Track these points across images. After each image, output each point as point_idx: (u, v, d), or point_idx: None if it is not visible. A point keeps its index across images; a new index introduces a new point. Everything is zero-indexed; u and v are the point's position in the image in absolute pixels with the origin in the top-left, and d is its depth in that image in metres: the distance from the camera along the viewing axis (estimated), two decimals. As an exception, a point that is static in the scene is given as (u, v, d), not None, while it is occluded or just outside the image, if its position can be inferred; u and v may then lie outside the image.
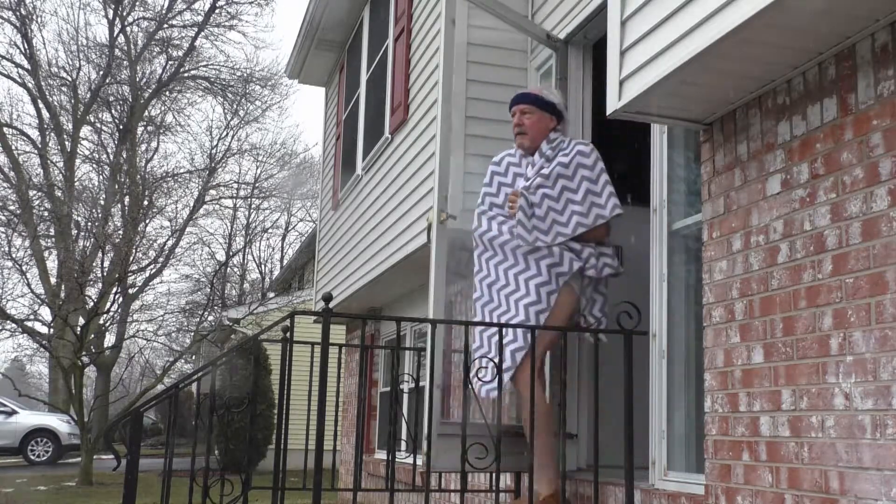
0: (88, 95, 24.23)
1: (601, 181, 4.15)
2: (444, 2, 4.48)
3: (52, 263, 21.45)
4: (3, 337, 19.68)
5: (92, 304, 15.73)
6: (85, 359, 15.51)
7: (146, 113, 25.02)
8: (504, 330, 3.98)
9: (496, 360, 3.89)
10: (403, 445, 5.41)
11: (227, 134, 26.78)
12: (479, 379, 3.97)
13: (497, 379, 3.85)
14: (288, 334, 3.93)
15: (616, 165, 5.37)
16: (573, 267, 4.05)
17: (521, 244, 4.07)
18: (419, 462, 4.15)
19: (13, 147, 23.08)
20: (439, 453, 3.83)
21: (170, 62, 24.90)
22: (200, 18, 24.94)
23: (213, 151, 26.41)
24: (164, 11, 24.68)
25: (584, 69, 4.93)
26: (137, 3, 24.64)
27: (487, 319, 4.13)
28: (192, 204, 23.68)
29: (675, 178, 3.95)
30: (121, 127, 24.25)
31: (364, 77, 8.47)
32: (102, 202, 19.93)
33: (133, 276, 17.06)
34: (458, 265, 4.48)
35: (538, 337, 3.91)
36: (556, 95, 4.40)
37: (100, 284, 16.58)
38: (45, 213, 20.61)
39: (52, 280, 20.62)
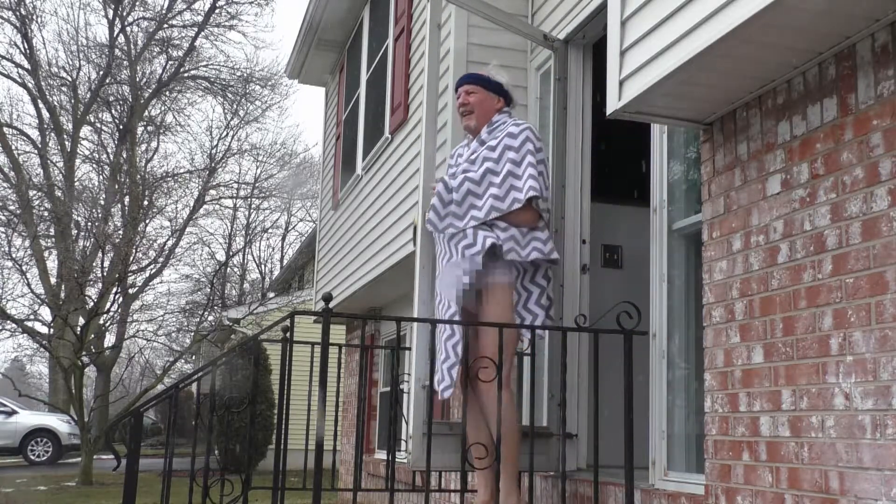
0: (88, 95, 24.23)
1: (525, 163, 3.93)
2: (430, 6, 4.46)
3: (52, 263, 21.48)
4: (3, 337, 19.70)
5: (92, 304, 15.73)
6: (85, 359, 15.51)
7: (146, 113, 25.02)
8: (443, 326, 3.87)
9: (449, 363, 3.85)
10: (403, 445, 5.41)
11: (227, 134, 26.80)
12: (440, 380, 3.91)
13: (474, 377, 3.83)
14: (288, 334, 3.93)
15: (616, 165, 5.37)
16: (486, 243, 3.85)
17: (431, 229, 3.98)
18: (401, 460, 4.11)
19: (13, 147, 23.09)
20: (422, 453, 3.79)
21: (170, 62, 24.91)
22: (200, 18, 24.96)
23: (213, 151, 26.43)
24: (164, 11, 24.70)
25: (584, 69, 4.92)
26: (137, 3, 24.66)
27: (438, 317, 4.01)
28: (192, 204, 23.69)
29: (675, 178, 3.95)
30: (121, 127, 24.25)
31: (364, 77, 8.47)
32: (102, 202, 19.92)
33: (133, 276, 17.07)
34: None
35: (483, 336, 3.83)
36: (504, 77, 4.24)
37: (100, 284, 16.58)
38: (45, 213, 20.61)
39: (52, 280, 20.62)
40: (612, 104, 3.28)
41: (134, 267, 16.66)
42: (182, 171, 25.42)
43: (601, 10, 4.35)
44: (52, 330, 16.56)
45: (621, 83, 3.23)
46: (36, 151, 23.75)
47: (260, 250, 39.44)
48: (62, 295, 18.00)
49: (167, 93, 25.26)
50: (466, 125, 4.18)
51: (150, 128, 25.53)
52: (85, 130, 24.82)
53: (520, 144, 3.96)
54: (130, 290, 17.48)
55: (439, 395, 3.86)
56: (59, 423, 19.69)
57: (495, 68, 4.32)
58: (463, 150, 4.22)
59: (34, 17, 24.01)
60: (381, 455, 8.67)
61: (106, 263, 17.08)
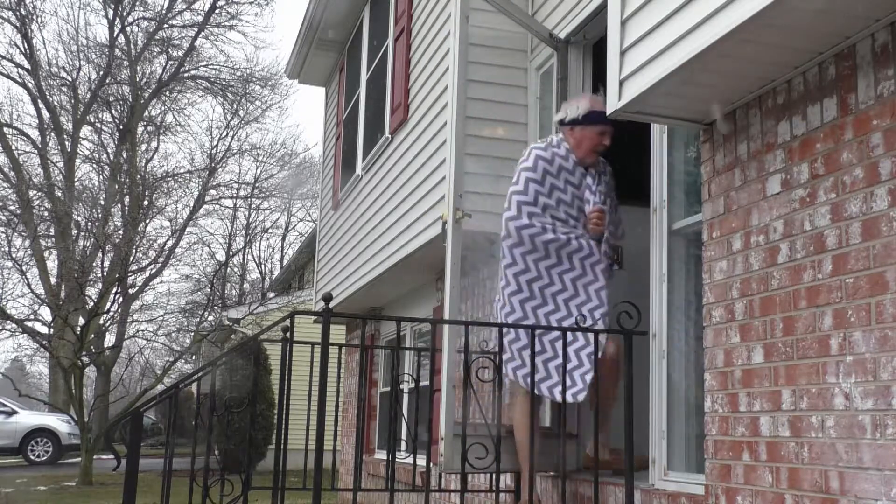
0: (88, 95, 24.22)
1: (618, 208, 4.41)
2: None
3: (52, 263, 21.49)
4: (3, 337, 19.70)
5: (92, 304, 15.74)
6: (85, 359, 15.51)
7: (146, 113, 25.01)
8: (572, 333, 3.98)
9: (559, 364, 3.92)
10: (403, 445, 5.41)
11: (227, 134, 26.78)
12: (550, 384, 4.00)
13: (582, 381, 3.92)
14: (288, 334, 3.93)
15: (616, 165, 5.37)
16: (603, 250, 4.21)
17: (603, 260, 4.16)
18: (420, 462, 4.13)
19: (13, 147, 23.08)
20: (453, 455, 3.79)
21: (170, 62, 24.90)
22: (200, 18, 24.95)
23: (213, 151, 26.42)
24: (164, 11, 24.69)
25: (584, 69, 4.93)
26: (137, 3, 24.65)
27: (543, 322, 4.10)
28: (192, 204, 23.69)
29: (675, 178, 3.95)
30: (121, 127, 24.25)
31: (364, 77, 8.47)
32: (102, 202, 19.92)
33: (133, 276, 17.08)
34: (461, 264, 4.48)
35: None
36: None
37: (100, 284, 16.59)
38: (45, 213, 20.59)
39: (52, 280, 20.61)
40: (613, 104, 3.29)
41: (134, 267, 16.67)
42: (182, 171, 25.43)
43: (601, 10, 4.35)
44: (52, 330, 16.56)
45: (621, 83, 3.23)
46: (36, 151, 23.74)
47: (260, 250, 39.47)
48: (62, 295, 17.98)
49: (167, 93, 25.25)
50: (593, 161, 4.25)
51: (150, 128, 25.53)
52: (85, 130, 24.85)
53: (615, 186, 4.40)
54: (130, 290, 17.48)
55: (570, 398, 3.96)
56: (59, 423, 19.69)
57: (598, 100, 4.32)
58: (572, 168, 4.22)
59: (34, 17, 24.02)
60: (381, 455, 8.67)
61: (106, 263, 17.10)
